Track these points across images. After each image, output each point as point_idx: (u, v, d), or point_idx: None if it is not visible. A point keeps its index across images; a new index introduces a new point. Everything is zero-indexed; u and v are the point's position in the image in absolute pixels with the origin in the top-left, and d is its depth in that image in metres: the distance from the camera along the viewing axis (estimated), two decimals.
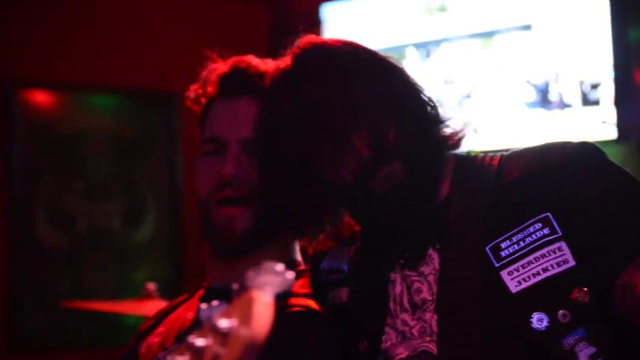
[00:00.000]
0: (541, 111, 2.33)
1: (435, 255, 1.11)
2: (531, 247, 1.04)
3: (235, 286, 0.75)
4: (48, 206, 3.37)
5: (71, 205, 3.46)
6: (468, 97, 2.38)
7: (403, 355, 1.10)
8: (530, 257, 1.03)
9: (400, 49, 2.54)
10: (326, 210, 1.17)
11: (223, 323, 0.68)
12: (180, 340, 1.28)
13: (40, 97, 3.55)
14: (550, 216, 1.04)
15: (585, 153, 1.07)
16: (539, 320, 1.01)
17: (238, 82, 1.30)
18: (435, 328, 1.07)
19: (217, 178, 1.25)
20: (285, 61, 1.15)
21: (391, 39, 2.59)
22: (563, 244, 1.02)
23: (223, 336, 0.71)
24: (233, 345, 0.68)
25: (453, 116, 1.16)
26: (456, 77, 2.43)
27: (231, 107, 1.30)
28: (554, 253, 1.03)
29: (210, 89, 1.33)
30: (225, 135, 1.28)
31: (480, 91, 2.37)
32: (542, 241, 1.03)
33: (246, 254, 1.29)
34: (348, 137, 1.06)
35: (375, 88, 1.11)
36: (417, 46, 2.52)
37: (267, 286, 0.79)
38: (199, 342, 0.68)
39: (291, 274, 1.09)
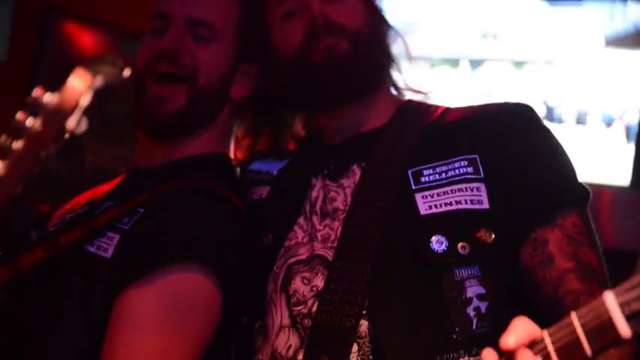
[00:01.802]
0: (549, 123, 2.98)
1: (358, 171, 1.12)
2: (451, 179, 1.03)
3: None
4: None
5: (83, 142, 3.16)
6: None
7: (303, 257, 1.10)
8: (447, 188, 1.03)
9: (455, 61, 3.02)
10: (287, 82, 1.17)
11: (43, 98, 0.80)
12: (87, 205, 1.25)
13: (79, 32, 3.24)
14: (478, 158, 1.04)
15: (522, 110, 1.09)
16: (438, 242, 1.00)
17: None
18: (337, 237, 1.07)
19: (156, 52, 1.17)
20: None
21: (448, 51, 3.03)
22: (482, 186, 1.02)
23: (44, 109, 0.83)
24: (45, 113, 0.81)
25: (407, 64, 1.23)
26: (491, 90, 2.93)
27: None
28: (472, 190, 1.02)
29: None
30: (172, 11, 1.20)
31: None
32: (463, 177, 1.03)
33: (174, 136, 1.22)
34: (311, 6, 1.13)
35: None
36: (470, 60, 2.98)
37: (101, 72, 0.90)
38: (23, 121, 0.80)
39: (127, 72, 1.03)
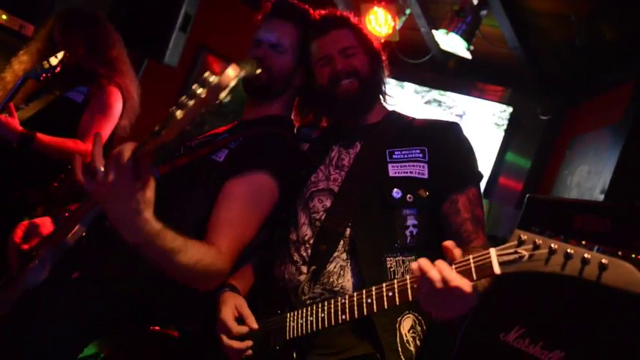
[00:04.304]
0: None
1: (359, 145, 1.34)
2: (410, 158, 1.25)
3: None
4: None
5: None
6: None
7: (320, 187, 1.31)
8: (406, 163, 1.24)
9: None
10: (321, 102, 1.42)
11: (208, 76, 0.89)
12: (213, 135, 1.49)
13: (214, 61, 3.84)
14: (426, 149, 1.26)
15: (455, 125, 1.32)
16: (397, 192, 1.20)
17: (278, 7, 1.50)
18: (342, 180, 1.29)
19: (254, 57, 1.45)
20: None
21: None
22: (425, 165, 1.23)
23: (209, 84, 0.89)
24: (209, 86, 0.89)
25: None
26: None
27: (271, 22, 1.49)
28: (420, 166, 1.23)
29: (263, 10, 1.52)
30: (262, 38, 1.48)
31: None
32: (416, 158, 1.24)
33: (263, 99, 1.49)
34: (335, 59, 1.37)
35: (368, 43, 1.41)
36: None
37: (244, 68, 1.05)
38: (195, 89, 0.87)
39: (258, 71, 1.34)
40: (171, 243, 1.05)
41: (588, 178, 2.74)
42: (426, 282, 0.89)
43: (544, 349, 1.35)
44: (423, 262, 0.91)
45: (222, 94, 0.93)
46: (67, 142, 2.05)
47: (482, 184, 3.50)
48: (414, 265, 0.92)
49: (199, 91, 0.91)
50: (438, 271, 0.89)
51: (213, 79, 0.91)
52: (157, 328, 1.33)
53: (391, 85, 4.18)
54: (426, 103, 3.92)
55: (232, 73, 0.92)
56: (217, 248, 1.16)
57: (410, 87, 3.98)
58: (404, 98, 3.99)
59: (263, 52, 1.47)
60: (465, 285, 0.88)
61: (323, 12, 1.47)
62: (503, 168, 3.55)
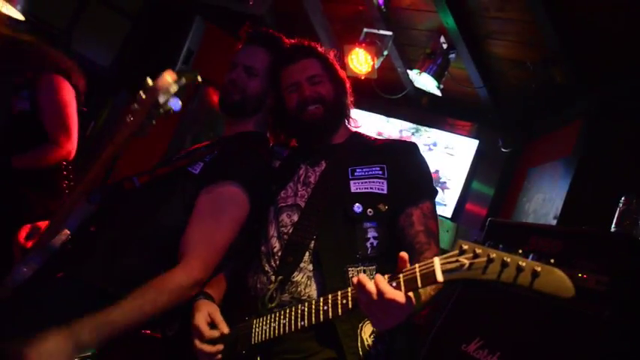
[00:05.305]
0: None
1: (324, 164, 1.31)
2: (370, 175, 1.22)
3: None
4: (193, 138, 3.69)
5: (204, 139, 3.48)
6: None
7: (289, 202, 1.28)
8: (367, 180, 1.21)
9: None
10: (289, 124, 1.39)
11: (147, 81, 0.86)
12: (193, 150, 1.47)
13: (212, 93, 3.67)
14: (385, 166, 1.23)
15: (412, 145, 1.30)
16: (357, 207, 1.17)
17: (253, 35, 1.51)
18: (308, 196, 1.26)
19: (228, 79, 1.47)
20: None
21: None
22: (385, 182, 1.20)
23: (148, 89, 0.88)
24: (148, 91, 0.89)
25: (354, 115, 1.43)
26: None
27: (247, 48, 1.51)
28: (379, 183, 1.20)
29: (242, 38, 1.54)
30: (238, 61, 1.49)
31: None
32: (376, 175, 1.22)
33: (238, 116, 1.47)
34: (303, 86, 1.35)
35: (333, 72, 1.40)
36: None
37: (184, 76, 0.99)
38: (140, 95, 0.87)
39: (199, 79, 1.23)
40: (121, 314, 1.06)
41: (543, 205, 2.76)
42: (364, 294, 0.89)
43: (501, 359, 1.32)
44: (362, 276, 0.91)
45: (161, 98, 0.89)
46: (45, 152, 1.94)
47: (451, 209, 3.47)
48: (354, 279, 0.92)
49: (143, 96, 0.89)
50: (374, 284, 0.89)
51: (150, 83, 0.89)
52: (148, 332, 1.31)
53: (381, 119, 3.92)
54: (406, 133, 3.99)
55: (169, 78, 0.90)
56: (184, 264, 1.16)
57: (395, 121, 4.08)
58: (391, 129, 4.06)
59: (237, 74, 1.48)
60: (399, 296, 0.87)
61: (293, 41, 1.47)
62: (470, 195, 3.56)
